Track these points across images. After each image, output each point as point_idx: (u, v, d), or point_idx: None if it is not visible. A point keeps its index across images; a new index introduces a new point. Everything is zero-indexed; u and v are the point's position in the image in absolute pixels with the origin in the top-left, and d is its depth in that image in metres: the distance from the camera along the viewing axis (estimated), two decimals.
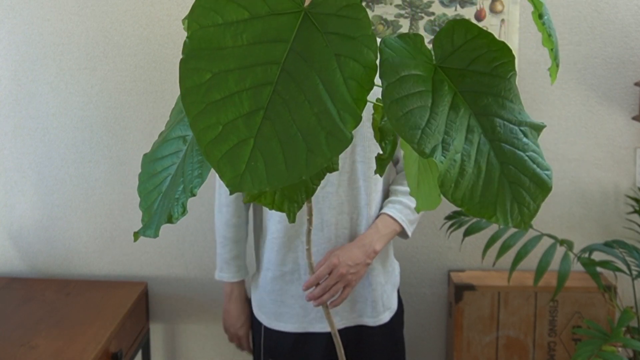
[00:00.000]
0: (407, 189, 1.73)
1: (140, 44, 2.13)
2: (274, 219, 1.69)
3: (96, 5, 2.11)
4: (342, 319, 1.72)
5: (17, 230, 2.25)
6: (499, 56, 0.81)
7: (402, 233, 1.72)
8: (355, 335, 1.74)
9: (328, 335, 1.72)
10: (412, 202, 1.72)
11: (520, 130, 0.79)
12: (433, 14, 2.06)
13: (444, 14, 2.05)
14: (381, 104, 0.99)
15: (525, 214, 0.78)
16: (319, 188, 1.68)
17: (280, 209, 0.94)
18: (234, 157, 0.68)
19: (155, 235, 0.84)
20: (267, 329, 1.76)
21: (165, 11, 2.11)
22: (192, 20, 0.70)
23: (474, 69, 0.80)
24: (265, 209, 1.72)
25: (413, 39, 0.80)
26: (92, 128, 2.18)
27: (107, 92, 2.16)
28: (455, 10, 2.05)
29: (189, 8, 0.72)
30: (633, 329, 1.94)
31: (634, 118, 2.09)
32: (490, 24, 2.06)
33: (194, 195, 0.80)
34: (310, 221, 1.12)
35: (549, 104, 2.13)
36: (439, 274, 2.24)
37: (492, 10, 2.05)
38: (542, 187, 0.78)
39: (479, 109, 0.79)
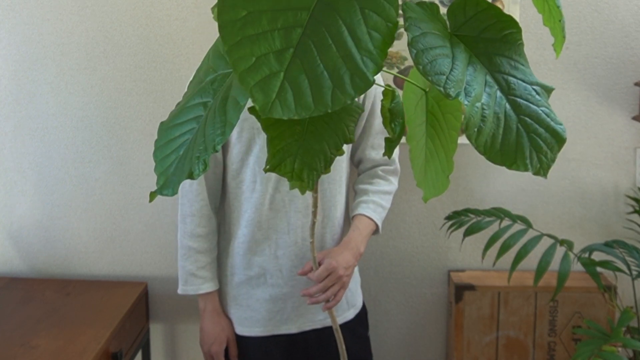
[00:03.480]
0: (376, 187, 1.76)
1: (140, 44, 2.13)
2: (241, 223, 1.71)
3: (96, 5, 2.11)
4: (307, 320, 1.74)
5: (17, 230, 2.25)
6: (507, 26, 0.87)
7: (375, 230, 1.75)
8: (316, 337, 1.76)
9: (292, 337, 1.75)
10: (382, 200, 1.76)
11: (533, 88, 0.85)
12: None
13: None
14: (391, 89, 1.01)
15: (544, 162, 0.83)
16: (285, 191, 1.71)
17: (299, 178, 0.98)
18: (266, 86, 0.73)
19: (174, 193, 0.88)
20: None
21: (165, 11, 2.10)
22: None
23: (485, 36, 0.87)
24: (232, 214, 1.73)
25: (430, 7, 0.88)
26: (92, 128, 2.18)
27: (107, 92, 2.16)
28: None
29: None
30: (633, 329, 1.94)
31: (634, 118, 2.09)
32: None
33: (216, 151, 0.84)
34: (314, 213, 1.13)
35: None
36: (439, 274, 2.24)
37: None
38: (558, 138, 0.84)
39: (493, 68, 0.85)
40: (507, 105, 0.83)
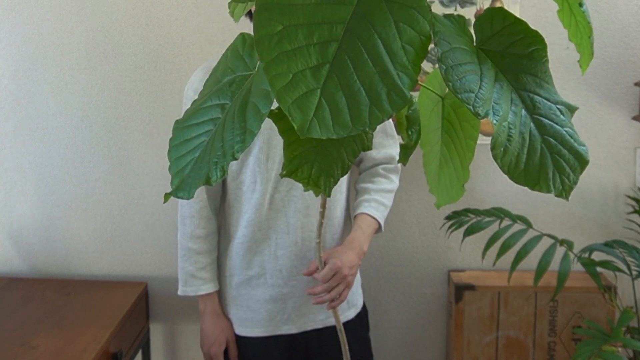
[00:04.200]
0: (378, 186, 1.76)
1: (140, 44, 2.13)
2: (241, 224, 1.71)
3: (96, 5, 2.11)
4: (309, 320, 1.74)
5: (17, 230, 2.25)
6: (534, 42, 0.86)
7: (378, 229, 1.75)
8: (317, 337, 1.76)
9: (292, 337, 1.74)
10: (384, 199, 1.76)
11: (558, 108, 0.85)
12: None
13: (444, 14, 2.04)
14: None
15: (566, 184, 0.83)
16: (284, 191, 1.71)
17: (316, 184, 0.97)
18: (303, 104, 0.72)
19: (190, 196, 0.87)
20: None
21: (165, 11, 2.10)
22: None
23: (512, 51, 0.86)
24: (232, 215, 1.73)
25: (458, 20, 0.87)
26: (92, 128, 2.18)
27: (107, 92, 2.16)
28: (455, 10, 2.05)
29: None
30: (633, 329, 1.94)
31: (634, 118, 2.09)
32: None
33: (235, 159, 0.83)
34: (322, 214, 1.13)
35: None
36: (439, 274, 2.24)
37: None
38: (580, 160, 0.84)
39: (519, 86, 0.84)
40: (532, 125, 0.83)
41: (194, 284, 1.74)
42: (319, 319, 1.75)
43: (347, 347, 1.24)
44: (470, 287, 2.06)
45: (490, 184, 2.15)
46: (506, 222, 1.97)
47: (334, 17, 0.74)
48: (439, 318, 2.26)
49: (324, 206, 1.12)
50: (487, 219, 1.97)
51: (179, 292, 1.77)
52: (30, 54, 2.15)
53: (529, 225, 1.93)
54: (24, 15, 2.13)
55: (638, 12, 2.08)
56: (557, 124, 0.83)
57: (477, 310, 2.06)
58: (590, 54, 0.96)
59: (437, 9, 2.05)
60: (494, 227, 1.97)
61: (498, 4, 2.05)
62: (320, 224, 1.15)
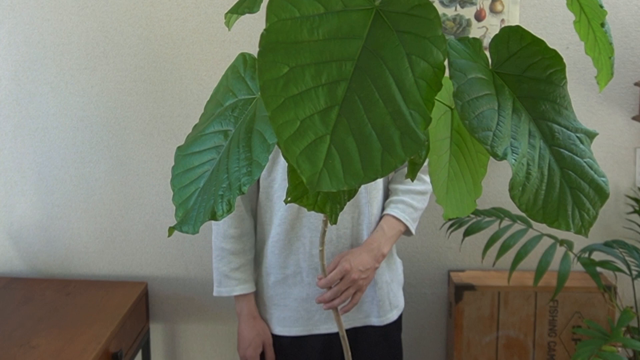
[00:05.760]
0: (408, 187, 1.73)
1: (140, 44, 2.13)
2: (275, 222, 1.68)
3: (96, 5, 2.11)
4: (348, 319, 1.71)
5: (17, 230, 2.25)
6: (552, 64, 0.82)
7: (407, 231, 1.72)
8: (353, 336, 1.73)
9: (328, 336, 1.72)
10: (414, 200, 1.72)
11: (577, 137, 0.81)
12: None
13: (444, 14, 2.05)
14: None
15: (586, 220, 0.79)
16: None
17: (322, 210, 0.93)
18: (312, 153, 0.67)
19: (195, 231, 0.82)
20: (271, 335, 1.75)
21: (165, 11, 2.10)
22: (271, 12, 0.70)
23: (530, 75, 0.82)
24: (265, 214, 1.71)
25: (473, 43, 0.81)
26: (92, 128, 2.18)
27: (107, 92, 2.16)
28: (455, 10, 2.05)
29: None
30: (633, 329, 1.94)
31: (634, 118, 2.09)
32: (490, 24, 2.05)
33: (243, 193, 0.79)
34: (326, 222, 1.11)
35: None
36: (439, 274, 2.24)
37: (492, 10, 2.05)
38: (601, 194, 0.80)
39: (537, 115, 0.80)
40: (551, 158, 0.79)
41: (228, 284, 1.70)
42: (358, 317, 1.72)
43: (349, 353, 1.24)
44: (470, 287, 2.06)
45: (490, 184, 2.15)
46: (506, 222, 1.97)
47: (343, 53, 0.70)
48: (439, 318, 2.26)
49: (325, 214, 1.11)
50: (487, 219, 1.97)
51: (214, 293, 1.73)
52: (30, 54, 2.15)
53: (529, 225, 1.93)
54: (24, 15, 2.13)
55: (638, 12, 2.08)
56: (576, 155, 0.80)
57: (477, 310, 2.06)
58: (610, 74, 0.92)
59: (437, 9, 2.04)
60: (493, 227, 1.97)
61: (498, 5, 2.05)
62: (324, 232, 1.14)
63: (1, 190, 2.23)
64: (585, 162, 0.80)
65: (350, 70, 0.69)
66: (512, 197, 0.76)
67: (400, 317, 1.81)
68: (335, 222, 0.95)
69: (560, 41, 2.00)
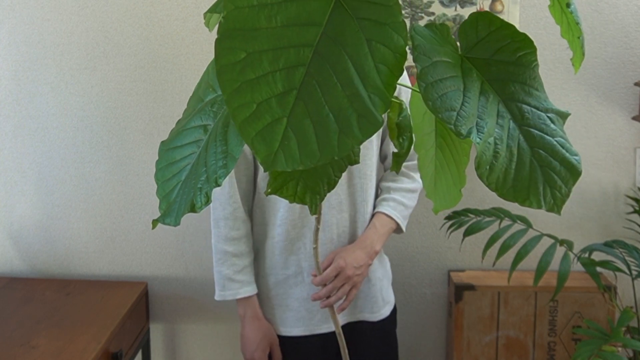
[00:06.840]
0: (399, 185, 1.74)
1: (140, 44, 2.13)
2: (275, 223, 1.68)
3: (96, 5, 2.11)
4: (343, 315, 1.72)
5: (17, 230, 2.25)
6: (522, 46, 0.83)
7: (397, 229, 1.73)
8: (349, 332, 1.74)
9: (329, 335, 1.72)
10: (404, 198, 1.74)
11: (548, 116, 0.81)
12: (433, 14, 2.06)
13: (444, 14, 2.05)
14: (398, 101, 0.99)
15: (558, 198, 0.80)
16: None
17: (302, 201, 0.94)
18: (268, 135, 0.68)
19: (176, 223, 0.84)
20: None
21: (165, 11, 2.10)
22: (228, 1, 0.71)
23: (499, 58, 0.82)
24: (265, 214, 1.71)
25: (440, 28, 0.82)
26: (92, 128, 2.18)
27: (107, 92, 2.16)
28: (455, 10, 2.05)
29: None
30: (633, 329, 1.94)
31: (634, 118, 2.09)
32: None
33: (218, 185, 0.81)
34: (318, 220, 1.12)
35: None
36: (439, 274, 2.24)
37: (492, 10, 2.05)
38: (573, 172, 0.80)
39: (506, 96, 0.81)
40: (521, 137, 0.79)
41: (232, 287, 1.68)
42: (353, 313, 1.73)
43: (346, 351, 1.24)
44: (470, 287, 2.06)
45: None
46: (506, 222, 1.97)
47: (301, 40, 0.70)
48: (439, 318, 2.27)
49: (319, 212, 1.11)
50: (487, 219, 1.97)
51: (217, 297, 1.70)
52: (30, 54, 2.15)
53: (529, 225, 1.93)
54: (24, 15, 2.13)
55: (638, 12, 2.08)
56: (547, 134, 0.80)
57: (477, 310, 2.06)
58: (581, 54, 0.93)
59: (437, 9, 2.05)
60: (493, 227, 1.97)
61: (498, 5, 2.05)
62: (317, 230, 1.14)
63: (1, 190, 2.23)
64: (556, 140, 0.80)
65: (309, 56, 0.70)
66: (480, 176, 0.77)
67: (393, 313, 1.82)
68: (315, 213, 0.96)
69: (560, 41, 2.00)
